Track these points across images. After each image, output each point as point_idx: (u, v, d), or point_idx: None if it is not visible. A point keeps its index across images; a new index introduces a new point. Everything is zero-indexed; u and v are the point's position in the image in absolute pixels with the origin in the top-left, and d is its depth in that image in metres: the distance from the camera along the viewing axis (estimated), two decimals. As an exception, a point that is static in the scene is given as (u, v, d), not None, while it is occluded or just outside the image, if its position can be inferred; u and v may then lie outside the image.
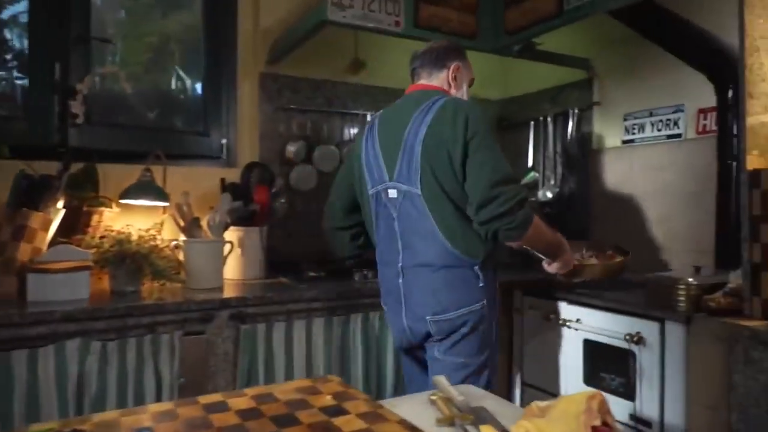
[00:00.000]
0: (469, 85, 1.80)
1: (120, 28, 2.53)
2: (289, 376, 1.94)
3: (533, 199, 2.87)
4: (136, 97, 2.50)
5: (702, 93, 2.20)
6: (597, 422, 0.79)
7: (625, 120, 2.59)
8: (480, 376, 1.58)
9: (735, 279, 1.57)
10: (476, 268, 1.58)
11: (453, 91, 1.73)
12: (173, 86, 2.66)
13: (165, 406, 0.83)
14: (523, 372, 2.16)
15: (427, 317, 1.59)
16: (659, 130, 2.45)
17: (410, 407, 1.04)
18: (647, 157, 2.49)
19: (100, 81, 2.31)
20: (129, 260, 1.89)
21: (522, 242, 1.56)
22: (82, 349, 1.63)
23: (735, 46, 1.69)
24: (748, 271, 1.51)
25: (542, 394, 2.05)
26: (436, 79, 1.74)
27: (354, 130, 2.87)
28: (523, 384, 2.16)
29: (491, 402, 1.08)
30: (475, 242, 1.56)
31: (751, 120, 1.57)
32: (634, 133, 2.56)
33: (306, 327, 1.98)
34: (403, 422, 0.79)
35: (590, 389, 1.82)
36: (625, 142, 2.59)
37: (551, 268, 1.74)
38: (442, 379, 1.14)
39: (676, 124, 2.38)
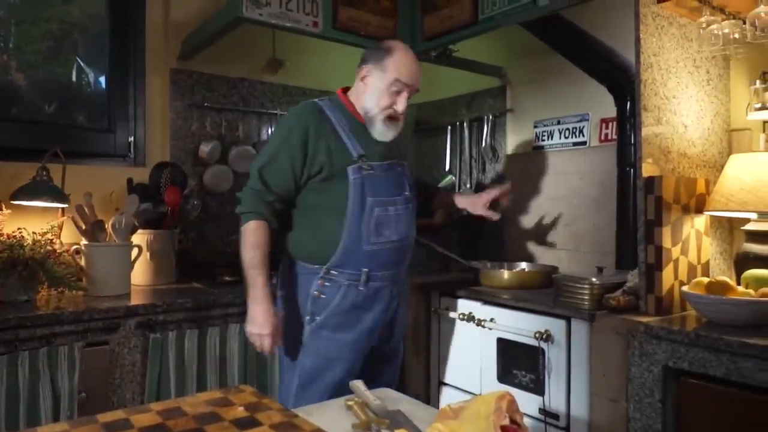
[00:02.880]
0: (396, 91, 1.64)
1: (13, 11, 2.33)
2: (201, 386, 1.86)
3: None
4: (30, 88, 2.31)
5: (604, 103, 2.34)
6: (506, 422, 0.81)
7: (535, 127, 2.72)
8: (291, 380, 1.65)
9: (632, 278, 1.69)
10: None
11: (363, 96, 1.67)
12: (74, 78, 2.48)
13: (58, 427, 0.76)
14: (440, 371, 2.21)
15: None
16: (566, 138, 2.58)
17: (326, 414, 1.03)
18: (555, 162, 2.62)
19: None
20: (21, 267, 1.74)
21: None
22: (-36, 365, 1.48)
23: (632, 61, 1.82)
24: (644, 271, 1.63)
25: (458, 392, 2.10)
26: (355, 82, 1.73)
27: (272, 130, 2.82)
28: (440, 383, 2.20)
29: (407, 405, 1.10)
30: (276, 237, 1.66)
31: (645, 130, 1.69)
32: (543, 140, 2.68)
33: (220, 334, 1.91)
34: (317, 431, 0.77)
35: (503, 387, 1.90)
36: (535, 148, 2.72)
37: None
38: (358, 384, 1.14)
39: (581, 132, 2.52)
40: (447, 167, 3.07)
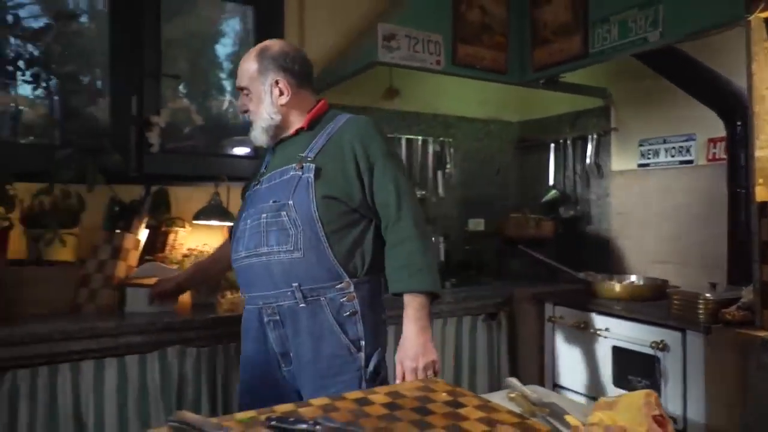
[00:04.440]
0: None
1: (187, 62, 2.79)
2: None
3: (553, 216, 3.13)
4: (204, 126, 2.75)
5: (711, 124, 2.45)
6: (656, 412, 1.04)
7: (640, 146, 2.85)
8: None
9: (747, 294, 1.83)
10: None
11: None
12: (226, 114, 2.92)
13: (323, 401, 1.07)
14: (554, 374, 2.42)
15: None
16: (672, 156, 2.71)
17: (497, 402, 1.28)
18: (661, 180, 2.75)
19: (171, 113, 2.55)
20: (210, 277, 2.13)
21: None
22: (180, 355, 1.88)
23: (743, 87, 1.94)
24: (759, 289, 1.77)
25: (572, 394, 2.30)
26: None
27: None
28: (555, 385, 2.41)
29: (555, 398, 1.33)
30: None
31: (758, 155, 1.83)
32: (649, 158, 2.82)
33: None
34: (510, 411, 1.04)
35: (619, 390, 2.08)
36: (640, 165, 2.85)
37: None
38: (514, 381, 1.39)
39: (687, 151, 2.64)
40: (551, 182, 3.26)
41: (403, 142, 3.14)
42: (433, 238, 1.46)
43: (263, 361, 1.57)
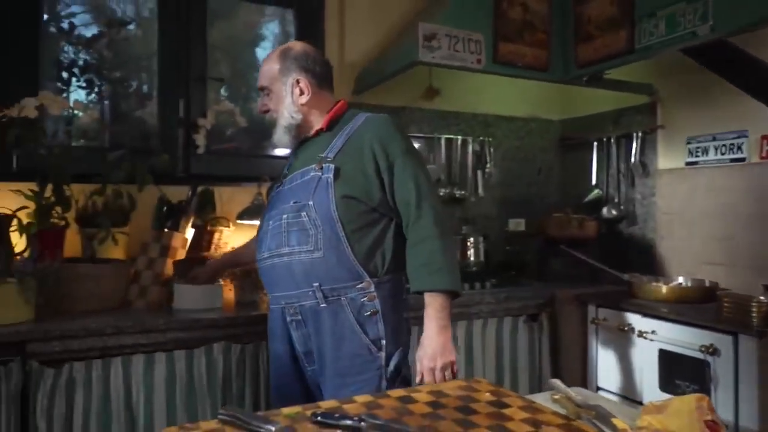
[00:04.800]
0: None
1: (228, 65, 2.86)
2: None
3: (595, 215, 3.06)
4: (246, 128, 2.82)
5: (765, 120, 2.36)
6: (708, 417, 1.01)
7: (688, 143, 2.77)
8: None
9: (804, 297, 1.76)
10: None
11: None
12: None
13: (367, 398, 1.09)
14: (597, 377, 2.37)
15: None
16: (723, 154, 2.61)
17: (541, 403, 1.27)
18: (710, 178, 2.65)
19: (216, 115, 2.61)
20: (254, 274, 2.17)
21: None
22: (226, 351, 1.92)
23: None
24: (817, 291, 1.70)
25: (616, 397, 2.25)
26: None
27: (429, 153, 3.13)
28: (597, 388, 2.36)
29: (601, 401, 1.31)
30: None
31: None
32: (697, 156, 2.73)
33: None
34: (555, 413, 1.03)
35: (666, 395, 2.03)
36: (688, 164, 2.77)
37: None
38: (558, 382, 1.37)
39: (739, 148, 2.54)
40: (594, 182, 3.19)
41: (443, 142, 3.13)
42: (454, 236, 1.44)
43: (290, 360, 1.62)
